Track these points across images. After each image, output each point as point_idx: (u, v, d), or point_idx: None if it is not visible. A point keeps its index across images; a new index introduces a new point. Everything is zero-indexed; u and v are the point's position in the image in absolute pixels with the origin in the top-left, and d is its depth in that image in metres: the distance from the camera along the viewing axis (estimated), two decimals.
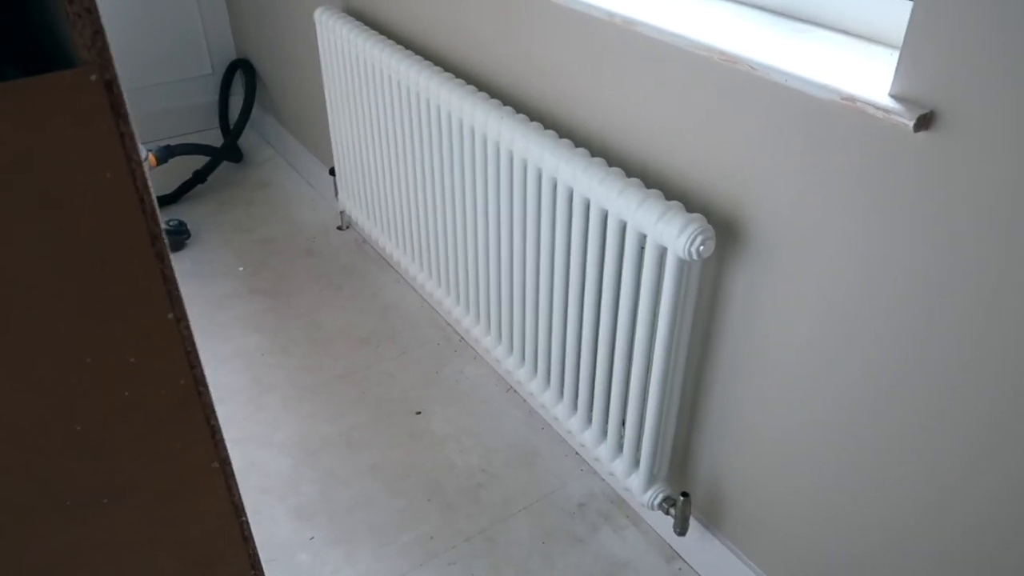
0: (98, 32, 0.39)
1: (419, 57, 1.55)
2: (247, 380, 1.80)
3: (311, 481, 1.55)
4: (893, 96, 0.81)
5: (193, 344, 0.48)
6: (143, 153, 2.08)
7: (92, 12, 0.38)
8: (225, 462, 0.53)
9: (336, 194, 2.16)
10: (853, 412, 0.99)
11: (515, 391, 1.75)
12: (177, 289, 0.46)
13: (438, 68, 1.50)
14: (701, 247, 1.01)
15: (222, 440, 0.52)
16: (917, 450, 0.92)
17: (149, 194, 0.42)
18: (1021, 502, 0.83)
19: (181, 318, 0.47)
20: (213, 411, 0.50)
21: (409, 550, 1.41)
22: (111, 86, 0.40)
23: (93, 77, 0.39)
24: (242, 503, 0.55)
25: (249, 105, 2.61)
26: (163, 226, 2.06)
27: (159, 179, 2.53)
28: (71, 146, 0.40)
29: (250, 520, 1.47)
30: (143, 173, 0.42)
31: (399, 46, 1.60)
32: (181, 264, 2.18)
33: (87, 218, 0.42)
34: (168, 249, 0.45)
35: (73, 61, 0.40)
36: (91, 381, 0.46)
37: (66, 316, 0.44)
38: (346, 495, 1.52)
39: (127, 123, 0.40)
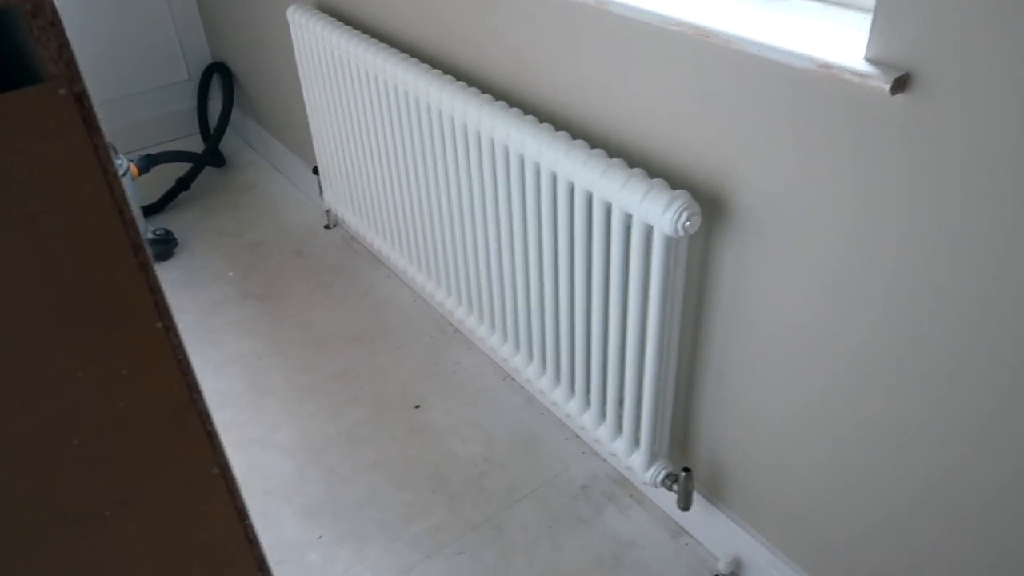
0: (63, 45, 0.38)
1: (394, 49, 1.54)
2: (244, 384, 1.80)
3: (315, 480, 1.55)
4: (868, 60, 0.82)
5: (184, 352, 0.48)
6: (124, 164, 2.07)
7: (56, 25, 0.38)
8: (225, 467, 0.53)
9: (321, 193, 2.16)
10: (849, 384, 0.99)
11: (512, 378, 1.75)
12: (164, 298, 0.46)
13: (414, 59, 1.49)
14: (687, 223, 1.01)
15: (220, 445, 0.52)
16: (916, 420, 0.93)
17: (127, 205, 0.42)
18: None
19: (170, 327, 0.47)
20: (209, 417, 0.51)
21: (418, 542, 1.42)
22: (81, 99, 0.40)
23: (62, 91, 0.39)
24: (245, 506, 0.55)
25: (228, 109, 2.60)
26: (150, 235, 2.06)
27: (143, 189, 2.51)
28: (45, 162, 0.40)
29: (257, 522, 1.47)
30: (119, 185, 0.42)
31: (373, 40, 1.60)
32: (170, 272, 2.17)
33: (67, 233, 0.42)
34: (152, 258, 0.45)
35: (40, 77, 0.40)
36: (85, 395, 0.46)
37: (54, 332, 0.44)
38: (351, 492, 1.52)
39: (99, 135, 0.40)
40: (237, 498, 0.54)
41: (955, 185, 0.79)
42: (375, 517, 1.47)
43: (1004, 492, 0.87)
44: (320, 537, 1.45)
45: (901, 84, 0.79)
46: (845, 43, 0.86)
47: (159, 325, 0.46)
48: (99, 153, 0.41)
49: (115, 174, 0.42)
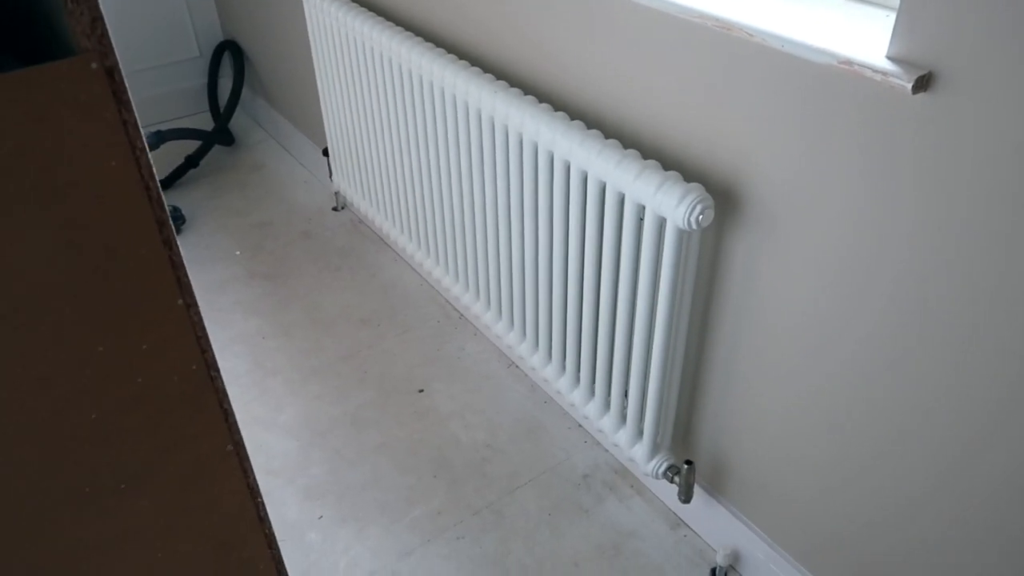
0: (96, 19, 0.38)
1: (409, 33, 1.53)
2: (250, 364, 1.81)
3: (318, 462, 1.56)
4: (891, 58, 0.81)
5: (203, 329, 0.48)
6: None
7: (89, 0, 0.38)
8: (239, 444, 0.53)
9: (330, 175, 2.15)
10: (855, 379, 0.99)
11: (517, 366, 1.75)
12: (186, 275, 0.46)
13: (429, 44, 1.48)
14: (700, 216, 1.01)
15: (235, 423, 0.52)
16: (920, 416, 0.93)
17: (155, 181, 0.42)
18: None
19: (191, 304, 0.47)
20: (226, 395, 0.51)
21: (418, 525, 1.43)
22: (112, 73, 0.40)
23: (94, 65, 0.39)
24: (257, 484, 0.56)
25: (238, 87, 2.59)
26: None
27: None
28: (75, 136, 0.40)
29: None
30: (148, 160, 0.42)
31: (388, 22, 1.59)
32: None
33: (94, 207, 0.42)
34: (175, 235, 0.45)
35: (72, 50, 0.39)
36: (105, 370, 0.46)
37: (77, 306, 0.44)
38: (354, 474, 1.53)
39: (129, 110, 0.40)
40: (250, 476, 0.55)
41: (971, 186, 0.79)
42: (377, 499, 1.48)
43: (1005, 488, 0.87)
44: (321, 517, 1.45)
45: (923, 83, 0.79)
46: (868, 40, 0.85)
47: (180, 302, 0.46)
48: (128, 128, 0.41)
49: (143, 149, 0.42)
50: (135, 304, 0.45)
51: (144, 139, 0.40)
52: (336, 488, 1.51)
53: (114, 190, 0.42)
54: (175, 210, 2.20)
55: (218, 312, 1.96)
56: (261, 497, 0.57)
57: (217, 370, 0.50)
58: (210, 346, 0.49)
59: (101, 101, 0.40)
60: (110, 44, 0.39)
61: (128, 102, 0.40)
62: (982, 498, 0.90)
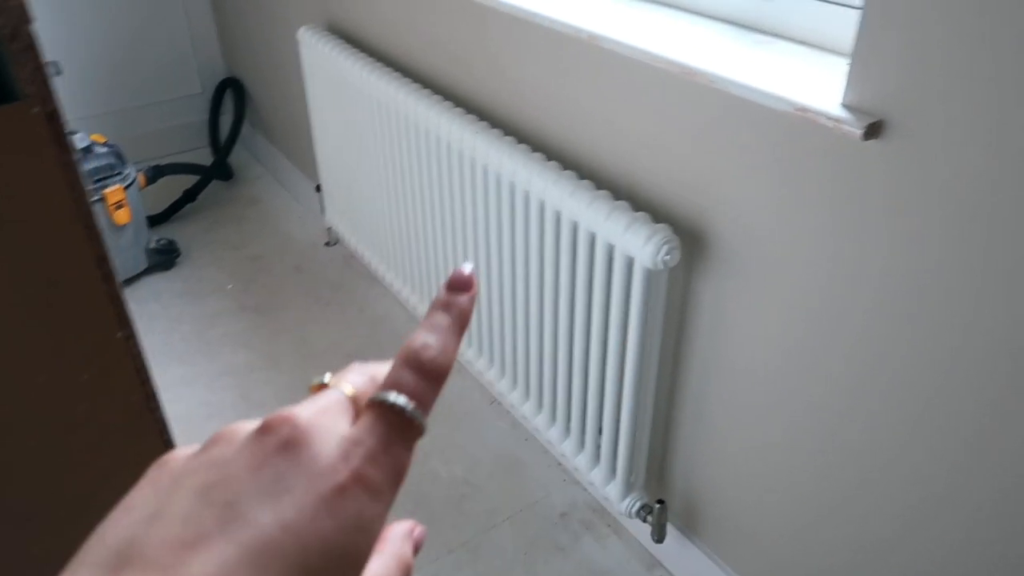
0: (39, 68, 0.41)
1: (400, 75, 1.58)
2: (236, 397, 1.82)
3: None
4: (845, 106, 0.84)
5: (144, 361, 0.50)
6: (132, 173, 2.11)
7: (32, 49, 0.41)
8: None
9: (323, 211, 2.19)
10: (824, 418, 1.00)
11: (499, 402, 1.76)
12: (125, 308, 0.48)
13: (417, 85, 1.52)
14: (667, 256, 1.03)
15: None
16: (891, 456, 0.94)
17: (92, 219, 0.44)
18: (995, 509, 0.85)
19: (131, 336, 0.48)
20: (165, 425, 0.52)
21: None
22: (53, 118, 0.42)
23: (35, 110, 0.41)
24: None
25: (238, 124, 2.64)
26: (153, 245, 2.07)
27: (150, 199, 2.55)
28: (16, 174, 0.42)
29: None
30: (85, 199, 0.44)
31: (381, 64, 1.63)
32: (171, 283, 2.20)
33: (34, 243, 0.44)
34: (116, 270, 0.47)
35: (17, 95, 0.42)
36: (44, 399, 0.48)
37: (18, 337, 0.46)
38: None
39: (69, 152, 0.42)
40: None
41: (924, 229, 0.81)
42: None
43: (979, 522, 0.87)
44: None
45: (874, 130, 0.81)
46: (824, 87, 0.88)
47: (120, 335, 0.48)
48: (67, 169, 0.43)
49: (83, 189, 0.44)
50: (75, 336, 0.47)
51: (83, 180, 0.42)
52: None
53: (54, 227, 0.44)
54: (170, 243, 2.23)
55: (208, 344, 1.98)
56: None
57: (157, 400, 0.51)
58: (150, 377, 0.50)
59: (42, 143, 0.42)
60: (51, 91, 0.42)
61: (68, 144, 0.42)
62: (952, 535, 0.90)
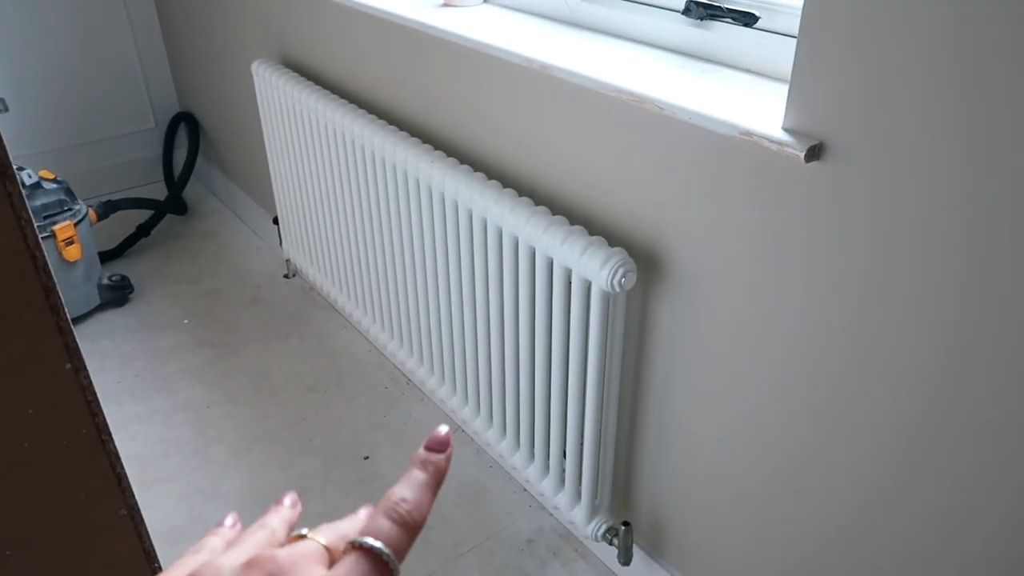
0: None
1: (353, 106, 1.58)
2: (193, 432, 1.78)
3: None
4: (786, 129, 0.87)
5: (94, 394, 0.49)
6: (83, 210, 2.07)
7: None
8: (134, 508, 0.54)
9: (280, 243, 2.17)
10: (776, 434, 1.02)
11: (463, 430, 1.75)
12: (74, 340, 0.47)
13: (371, 115, 1.53)
14: (622, 279, 1.05)
15: (129, 487, 0.53)
16: (846, 466, 0.96)
17: (40, 250, 0.44)
18: (950, 510, 0.87)
19: (80, 368, 0.48)
20: (118, 458, 0.51)
21: None
22: None
23: None
24: (154, 550, 0.56)
25: (192, 158, 2.62)
26: (105, 281, 2.03)
27: (102, 234, 2.51)
28: None
29: None
30: (34, 231, 0.43)
31: (334, 95, 1.64)
32: (125, 319, 2.16)
33: None
34: (63, 302, 0.46)
35: None
36: None
37: None
38: None
39: (14, 183, 0.42)
40: (145, 540, 0.55)
41: (860, 248, 0.83)
42: None
43: (932, 529, 0.89)
44: None
45: (815, 152, 0.84)
46: (767, 112, 0.91)
47: (68, 367, 0.47)
48: (12, 200, 0.43)
49: (29, 220, 0.44)
50: (21, 369, 0.46)
51: (28, 211, 0.42)
52: None
53: (0, 259, 0.44)
54: (123, 279, 2.19)
55: (163, 380, 1.94)
56: (159, 562, 0.57)
57: (109, 434, 0.50)
58: (100, 410, 0.49)
59: None
60: None
61: (12, 176, 0.42)
62: (907, 542, 0.92)
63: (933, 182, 0.75)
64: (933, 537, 0.88)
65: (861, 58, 0.77)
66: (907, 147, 0.76)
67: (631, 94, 1.00)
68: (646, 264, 1.12)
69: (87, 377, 0.48)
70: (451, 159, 1.34)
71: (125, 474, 0.52)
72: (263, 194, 2.40)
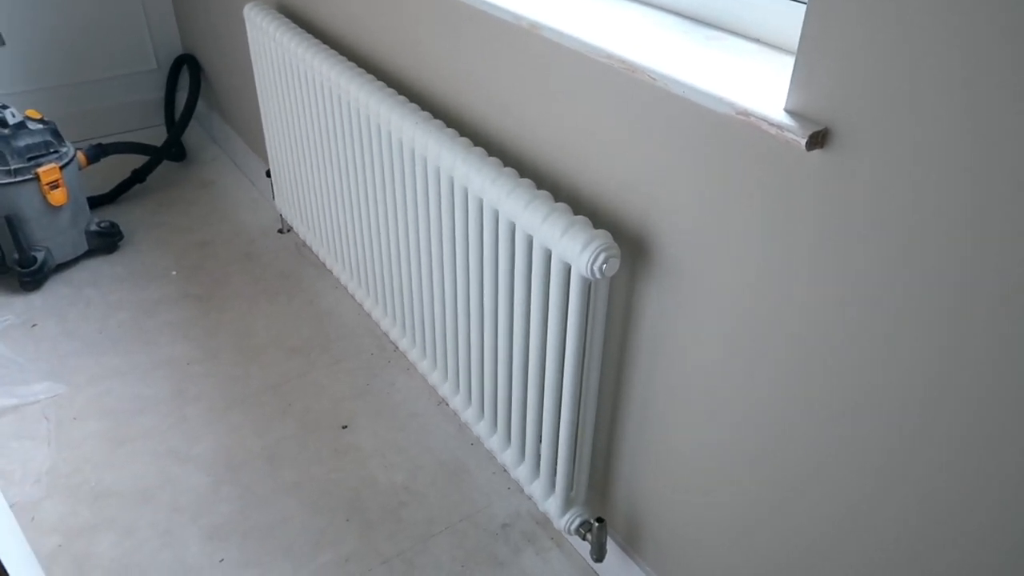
0: None
1: (342, 58, 1.48)
2: (171, 390, 1.73)
3: (228, 499, 1.49)
4: (788, 111, 0.76)
5: None
6: (71, 151, 2.00)
7: None
8: None
9: (273, 196, 2.09)
10: (764, 430, 0.94)
11: (447, 404, 1.69)
12: None
13: (361, 71, 1.43)
14: (603, 265, 0.96)
15: None
16: (832, 467, 0.87)
17: None
18: (935, 515, 0.79)
19: None
20: None
21: (324, 573, 1.35)
22: None
23: None
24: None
25: (192, 103, 2.53)
26: (94, 227, 1.97)
27: (95, 179, 2.44)
28: None
29: (159, 540, 1.40)
30: None
31: (325, 47, 1.54)
32: (112, 267, 2.10)
33: None
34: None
35: None
36: None
37: None
38: (262, 514, 1.46)
39: None
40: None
41: (862, 243, 0.74)
42: (283, 543, 1.41)
43: (915, 528, 0.82)
44: (222, 560, 1.38)
45: (818, 140, 0.74)
46: (770, 89, 0.81)
47: None
48: None
49: None
50: None
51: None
52: (242, 528, 1.43)
53: None
54: (112, 226, 2.13)
55: (145, 333, 1.89)
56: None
57: None
58: None
59: None
60: None
61: None
62: (892, 538, 0.84)
63: (951, 183, 0.65)
64: (918, 539, 0.80)
65: (875, 30, 0.66)
66: (923, 140, 0.66)
67: (623, 61, 0.90)
68: (632, 248, 1.03)
69: None
70: (437, 121, 1.25)
71: None
72: (259, 144, 2.32)
